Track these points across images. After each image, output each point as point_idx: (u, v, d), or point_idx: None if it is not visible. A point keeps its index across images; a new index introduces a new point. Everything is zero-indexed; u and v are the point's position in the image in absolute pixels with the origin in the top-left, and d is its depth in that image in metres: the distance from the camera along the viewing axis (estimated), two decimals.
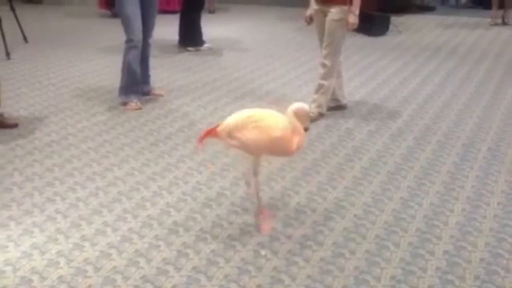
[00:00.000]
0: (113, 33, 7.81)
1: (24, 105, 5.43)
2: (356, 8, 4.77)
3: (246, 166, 3.40)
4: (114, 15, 8.70)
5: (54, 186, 3.87)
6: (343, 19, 4.80)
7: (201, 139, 3.32)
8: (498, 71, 6.61)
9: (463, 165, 4.17)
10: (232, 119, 3.23)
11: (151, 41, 5.41)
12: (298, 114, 3.11)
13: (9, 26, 7.28)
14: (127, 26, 5.16)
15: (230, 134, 3.21)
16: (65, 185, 3.88)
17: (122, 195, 3.74)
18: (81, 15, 9.81)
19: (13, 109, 5.23)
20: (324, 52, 4.97)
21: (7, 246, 3.17)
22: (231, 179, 3.95)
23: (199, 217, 3.47)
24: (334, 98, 5.20)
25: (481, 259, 3.06)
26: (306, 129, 3.16)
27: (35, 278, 2.91)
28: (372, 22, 8.28)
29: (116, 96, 5.46)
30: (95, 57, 7.18)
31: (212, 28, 8.32)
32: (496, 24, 9.18)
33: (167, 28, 7.62)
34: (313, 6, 4.99)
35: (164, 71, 6.47)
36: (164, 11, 8.28)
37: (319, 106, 5.04)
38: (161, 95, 5.65)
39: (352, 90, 5.78)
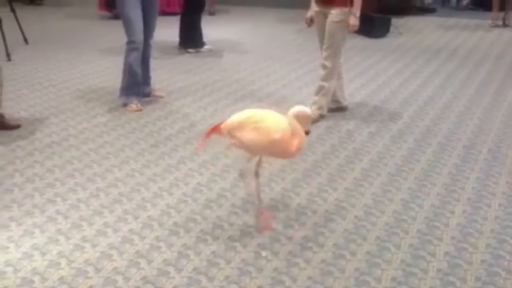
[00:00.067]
0: (113, 35, 7.82)
1: (25, 106, 5.43)
2: (356, 10, 4.77)
3: (245, 164, 3.39)
4: (115, 17, 8.71)
5: (55, 187, 3.87)
6: (344, 20, 4.81)
7: (207, 134, 3.38)
8: (499, 73, 6.61)
9: (464, 167, 4.17)
10: (234, 118, 3.25)
11: (152, 42, 5.42)
12: (299, 117, 3.11)
13: (10, 28, 7.28)
14: (128, 28, 5.16)
15: (230, 133, 3.24)
16: (65, 186, 3.88)
17: (122, 196, 3.74)
18: (81, 16, 9.81)
19: (14, 111, 5.23)
20: (325, 53, 4.97)
21: (8, 247, 3.17)
22: (232, 180, 3.95)
23: (200, 218, 3.47)
24: (335, 100, 5.20)
25: (482, 261, 3.06)
26: (307, 133, 3.16)
27: (36, 279, 2.91)
28: (373, 24, 8.29)
29: (116, 98, 5.46)
30: (95, 58, 7.18)
31: (212, 30, 8.32)
32: (496, 26, 9.18)
33: (167, 30, 7.62)
34: (314, 8, 4.99)
35: (164, 72, 6.47)
36: (164, 13, 8.29)
37: (319, 107, 5.04)
38: (161, 97, 5.65)
39: (352, 92, 5.78)
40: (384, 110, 5.38)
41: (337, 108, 5.23)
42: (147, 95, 5.57)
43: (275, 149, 3.18)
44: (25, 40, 7.70)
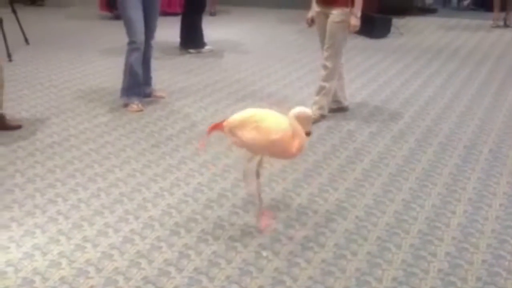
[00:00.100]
0: (114, 35, 7.82)
1: (26, 106, 5.43)
2: (357, 10, 4.77)
3: (246, 164, 3.40)
4: (115, 17, 8.72)
5: (56, 187, 3.87)
6: (345, 21, 4.80)
7: (209, 131, 3.42)
8: (500, 73, 6.61)
9: (465, 167, 4.17)
10: (236, 117, 3.28)
11: (153, 43, 5.42)
12: (300, 118, 3.11)
13: (11, 28, 7.29)
14: (129, 28, 5.16)
15: (232, 131, 3.26)
16: (66, 186, 3.88)
17: (123, 196, 3.74)
18: (82, 17, 9.82)
19: (15, 111, 5.23)
20: (326, 54, 4.97)
21: (9, 247, 3.17)
22: (232, 180, 3.95)
23: (201, 218, 3.47)
24: (336, 100, 5.20)
25: (483, 261, 3.06)
26: (308, 134, 3.16)
27: (37, 279, 2.91)
28: (374, 24, 8.29)
29: (117, 98, 5.46)
30: (96, 58, 7.18)
31: (213, 30, 8.33)
32: (498, 26, 9.18)
33: (168, 30, 7.62)
34: (315, 8, 4.99)
35: (165, 73, 6.47)
36: (165, 13, 8.29)
37: (320, 108, 5.04)
38: (162, 97, 5.65)
39: (353, 92, 5.78)
40: (385, 110, 5.37)
41: (338, 108, 5.23)
42: (148, 95, 5.57)
43: (275, 149, 3.18)
44: (26, 40, 7.70)
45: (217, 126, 3.36)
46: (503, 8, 9.26)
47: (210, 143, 4.52)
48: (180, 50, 7.48)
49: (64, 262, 3.04)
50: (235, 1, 10.66)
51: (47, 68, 6.73)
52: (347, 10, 4.78)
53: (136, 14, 5.12)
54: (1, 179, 3.97)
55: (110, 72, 6.46)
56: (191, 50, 7.43)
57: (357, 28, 4.85)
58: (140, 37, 5.17)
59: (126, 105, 5.34)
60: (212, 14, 9.91)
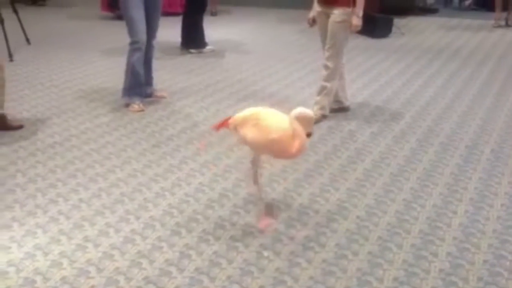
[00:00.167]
0: (115, 35, 7.83)
1: (27, 106, 5.43)
2: (359, 10, 4.77)
3: (247, 164, 3.41)
4: (117, 17, 8.72)
5: (57, 187, 3.87)
6: (346, 21, 4.80)
7: (218, 127, 3.47)
8: (501, 73, 6.60)
9: (466, 167, 4.16)
10: (241, 114, 3.32)
11: (154, 43, 5.42)
12: (301, 119, 3.10)
13: (12, 28, 7.29)
14: (131, 28, 5.17)
15: (236, 128, 3.30)
16: (67, 186, 3.88)
17: (124, 196, 3.74)
18: (83, 17, 9.82)
19: (16, 111, 5.24)
20: (327, 54, 4.97)
21: (10, 247, 3.17)
22: (234, 180, 3.95)
23: (202, 218, 3.47)
24: (337, 100, 5.19)
25: (484, 261, 3.06)
26: (309, 135, 3.15)
27: (38, 279, 2.91)
28: (375, 24, 8.28)
29: (118, 98, 5.47)
30: (97, 59, 7.18)
31: (214, 30, 8.33)
32: (499, 26, 9.17)
33: (169, 30, 7.62)
34: (316, 8, 4.99)
35: (166, 73, 6.47)
36: (165, 13, 8.28)
37: (321, 108, 5.04)
38: (163, 97, 5.65)
39: (354, 92, 5.77)
40: (386, 110, 5.37)
41: (339, 109, 5.23)
42: (149, 95, 5.57)
43: (274, 148, 3.19)
44: (27, 40, 7.71)
45: (224, 124, 3.40)
46: (504, 8, 9.25)
47: (211, 143, 4.53)
48: (181, 50, 7.48)
49: (65, 262, 3.04)
50: (236, 1, 10.66)
51: (48, 68, 6.73)
52: (348, 10, 4.78)
53: (138, 14, 5.12)
54: (2, 179, 3.98)
55: (111, 72, 6.46)
56: (192, 50, 7.43)
57: (359, 28, 4.85)
58: (142, 37, 5.17)
59: (127, 105, 5.34)
60: (213, 14, 9.91)
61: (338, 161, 4.28)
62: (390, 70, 6.72)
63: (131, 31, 5.17)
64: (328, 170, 4.12)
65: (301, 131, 3.10)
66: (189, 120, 5.11)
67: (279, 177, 3.98)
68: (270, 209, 3.52)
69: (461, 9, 10.94)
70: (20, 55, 7.15)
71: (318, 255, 3.11)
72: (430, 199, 3.70)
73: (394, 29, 8.62)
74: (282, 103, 5.05)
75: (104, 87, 6.02)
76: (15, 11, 7.46)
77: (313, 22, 5.06)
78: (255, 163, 3.39)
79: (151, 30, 5.27)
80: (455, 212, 3.54)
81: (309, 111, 3.18)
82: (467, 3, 11.00)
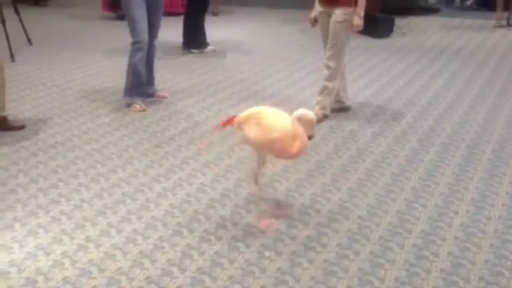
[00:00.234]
0: (116, 35, 7.83)
1: (28, 107, 5.44)
2: (361, 10, 4.77)
3: (249, 164, 3.42)
4: (119, 17, 8.72)
5: (59, 187, 3.87)
6: (348, 20, 4.80)
7: (224, 124, 3.49)
8: (503, 73, 6.60)
9: (468, 167, 4.16)
10: (245, 113, 3.35)
11: (156, 43, 5.42)
12: (302, 121, 3.11)
13: (14, 28, 7.30)
14: (133, 28, 5.17)
15: (239, 126, 3.33)
16: (69, 186, 3.89)
17: (126, 197, 3.75)
18: (85, 17, 9.83)
19: (18, 111, 5.24)
20: (328, 53, 4.97)
21: (12, 247, 3.18)
22: (235, 180, 3.95)
23: (203, 218, 3.48)
24: (338, 100, 5.20)
25: (486, 261, 3.06)
26: (310, 137, 3.15)
27: (39, 279, 2.91)
28: (377, 24, 8.28)
29: (120, 98, 5.47)
30: (99, 59, 7.19)
31: (215, 30, 8.33)
32: (501, 26, 9.16)
33: (171, 30, 7.63)
34: (317, 8, 4.99)
35: (168, 73, 6.48)
36: (167, 13, 8.28)
37: (323, 107, 5.04)
38: (165, 97, 5.65)
39: (356, 92, 5.78)
40: (387, 110, 5.37)
41: (341, 108, 5.23)
42: (151, 95, 5.57)
43: (274, 148, 3.21)
44: (29, 41, 7.71)
45: (229, 121, 3.43)
46: (506, 8, 9.24)
47: (213, 143, 4.53)
48: (183, 50, 7.48)
49: (67, 262, 3.05)
50: (237, 1, 10.66)
51: (49, 68, 6.74)
52: (350, 9, 4.78)
53: (140, 14, 5.12)
54: (4, 179, 3.98)
55: (113, 72, 6.47)
56: (194, 50, 7.43)
57: (360, 28, 4.85)
58: (144, 36, 5.17)
59: (129, 105, 5.35)
60: (215, 14, 9.91)
61: (339, 161, 4.28)
62: (391, 70, 6.72)
63: (133, 31, 5.18)
64: (329, 170, 4.13)
65: (302, 132, 3.10)
66: (191, 120, 5.11)
67: (281, 177, 3.98)
68: (279, 207, 3.53)
69: (463, 9, 10.93)
70: (21, 55, 7.16)
71: (320, 255, 3.11)
72: (432, 199, 3.70)
73: (395, 29, 8.62)
74: (283, 103, 5.05)
75: (106, 87, 6.02)
76: (17, 12, 7.46)
77: (314, 22, 5.07)
78: (260, 163, 3.41)
79: (153, 30, 5.27)
80: (456, 212, 3.54)
81: (311, 113, 3.17)
82: (468, 3, 10.99)
